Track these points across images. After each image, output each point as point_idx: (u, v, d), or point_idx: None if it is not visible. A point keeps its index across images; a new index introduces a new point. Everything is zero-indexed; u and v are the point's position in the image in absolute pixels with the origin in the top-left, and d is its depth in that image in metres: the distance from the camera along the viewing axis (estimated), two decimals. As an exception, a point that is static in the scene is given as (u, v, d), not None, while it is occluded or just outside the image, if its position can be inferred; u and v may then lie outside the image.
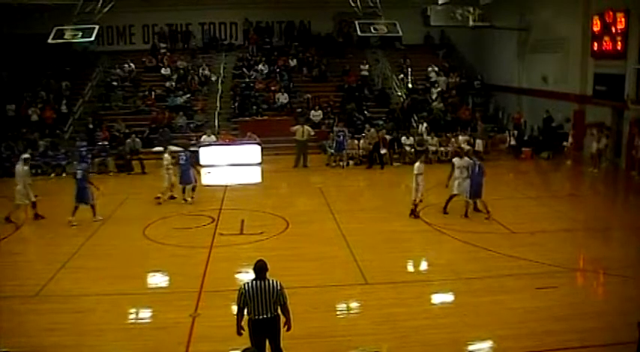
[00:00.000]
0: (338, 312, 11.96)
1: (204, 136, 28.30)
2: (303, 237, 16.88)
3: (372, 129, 28.26)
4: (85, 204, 18.21)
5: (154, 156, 27.43)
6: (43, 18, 29.06)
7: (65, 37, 26.27)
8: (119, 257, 15.38)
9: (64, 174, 25.90)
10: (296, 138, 27.16)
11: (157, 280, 14.10)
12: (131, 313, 11.99)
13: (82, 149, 25.70)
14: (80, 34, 26.57)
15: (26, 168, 18.86)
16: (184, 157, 20.54)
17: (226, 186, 23.94)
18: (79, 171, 18.42)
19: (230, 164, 27.28)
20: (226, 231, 17.26)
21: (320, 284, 13.01)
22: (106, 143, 27.57)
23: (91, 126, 29.83)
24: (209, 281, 13.32)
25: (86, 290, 13.03)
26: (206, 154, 27.50)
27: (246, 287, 8.56)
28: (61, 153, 26.98)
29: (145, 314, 12.12)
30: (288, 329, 8.86)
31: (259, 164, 27.59)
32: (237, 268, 13.85)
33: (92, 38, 26.90)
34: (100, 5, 26.83)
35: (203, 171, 26.43)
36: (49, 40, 26.34)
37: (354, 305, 12.38)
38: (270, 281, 8.62)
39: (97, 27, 26.53)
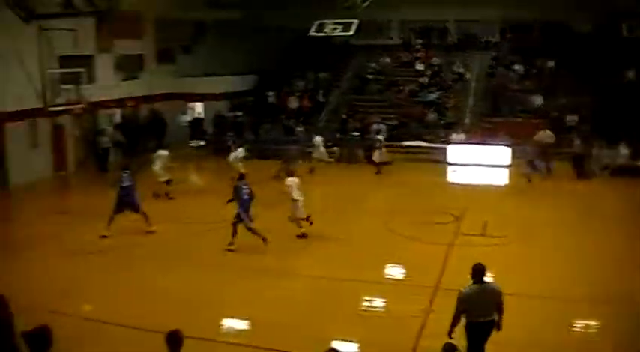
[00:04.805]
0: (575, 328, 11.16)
1: (454, 134, 28.05)
2: (551, 247, 15.60)
3: None
4: None
5: (401, 150, 27.84)
6: (305, 12, 30.37)
7: (325, 30, 27.30)
8: (358, 245, 15.72)
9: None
10: (537, 142, 25.62)
11: (394, 271, 14.23)
12: (365, 300, 12.21)
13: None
14: (340, 28, 27.43)
15: None
16: (127, 177, 16.63)
17: (472, 185, 23.49)
18: None
19: (478, 164, 26.71)
20: (468, 230, 16.90)
21: (558, 297, 12.22)
22: (357, 133, 28.39)
23: (344, 116, 30.87)
24: (446, 279, 13.10)
25: (322, 272, 13.58)
26: (455, 152, 27.24)
27: (468, 291, 8.51)
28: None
29: (378, 303, 12.28)
30: (499, 329, 8.63)
31: (509, 166, 26.66)
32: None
33: (351, 32, 27.66)
34: (360, 0, 27.47)
35: (450, 168, 26.26)
36: (310, 33, 27.51)
37: (592, 323, 11.38)
38: (490, 285, 8.62)
39: (356, 21, 27.23)
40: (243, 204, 15.24)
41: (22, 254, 15.10)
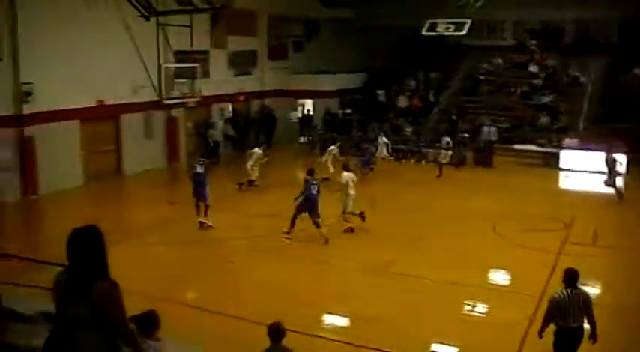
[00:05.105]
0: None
1: (566, 139, 27.22)
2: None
3: None
4: None
5: (511, 154, 27.32)
6: (417, 11, 30.10)
7: (437, 30, 26.96)
8: (465, 248, 15.55)
9: (423, 162, 27.05)
10: None
11: (498, 277, 14.01)
12: (467, 304, 12.04)
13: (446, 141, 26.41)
14: (452, 27, 27.04)
15: None
16: (201, 166, 17.42)
17: (583, 191, 22.73)
18: None
19: (591, 170, 25.71)
20: (577, 239, 16.32)
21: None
22: (467, 135, 28.05)
23: (454, 117, 30.55)
24: (552, 287, 12.67)
25: (428, 273, 13.45)
26: (567, 158, 26.42)
27: (559, 295, 8.40)
28: (422, 141, 28.23)
29: (481, 308, 12.07)
30: (594, 341, 8.40)
31: (624, 174, 25.51)
32: (583, 280, 12.96)
33: (464, 32, 27.26)
34: (473, 0, 27.02)
35: (562, 174, 25.50)
36: (423, 32, 27.31)
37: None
38: (582, 291, 8.48)
39: (469, 21, 26.82)
40: (310, 198, 15.86)
41: (132, 241, 15.82)
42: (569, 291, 8.38)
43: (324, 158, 23.03)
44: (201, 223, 16.99)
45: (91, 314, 4.64)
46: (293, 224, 16.10)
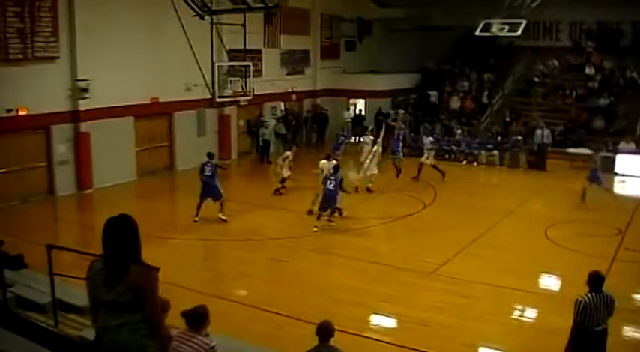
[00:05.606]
0: None
1: (622, 143, 26.65)
2: None
3: None
4: None
5: (565, 157, 26.86)
6: (471, 12, 29.79)
7: (492, 30, 26.59)
8: (516, 252, 15.36)
9: (475, 163, 26.81)
10: None
11: (548, 282, 13.79)
12: (516, 309, 11.89)
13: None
14: (507, 28, 26.66)
15: None
16: (210, 167, 17.72)
17: (638, 197, 22.25)
18: None
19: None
20: (632, 245, 15.91)
21: None
22: (520, 137, 27.71)
23: (507, 119, 30.22)
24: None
25: (477, 277, 13.33)
26: (623, 162, 25.84)
27: (587, 299, 8.22)
28: (475, 142, 27.98)
29: (530, 313, 11.90)
30: None
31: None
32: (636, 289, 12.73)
33: (518, 33, 26.89)
34: (529, 0, 26.61)
35: (617, 179, 24.96)
36: (476, 33, 27.03)
37: None
38: (606, 293, 8.34)
39: (524, 22, 26.44)
40: (326, 193, 16.76)
41: (181, 236, 16.05)
42: (595, 294, 8.24)
43: (362, 157, 23.04)
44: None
45: (127, 298, 4.80)
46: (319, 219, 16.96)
